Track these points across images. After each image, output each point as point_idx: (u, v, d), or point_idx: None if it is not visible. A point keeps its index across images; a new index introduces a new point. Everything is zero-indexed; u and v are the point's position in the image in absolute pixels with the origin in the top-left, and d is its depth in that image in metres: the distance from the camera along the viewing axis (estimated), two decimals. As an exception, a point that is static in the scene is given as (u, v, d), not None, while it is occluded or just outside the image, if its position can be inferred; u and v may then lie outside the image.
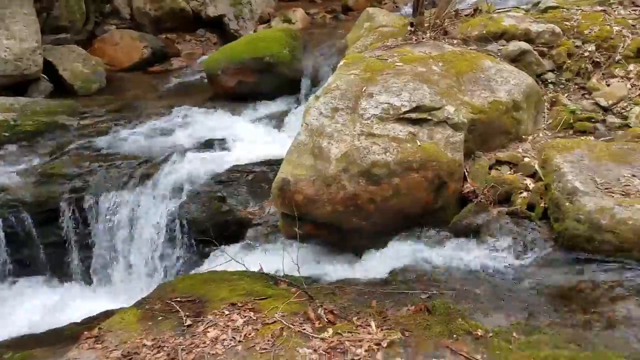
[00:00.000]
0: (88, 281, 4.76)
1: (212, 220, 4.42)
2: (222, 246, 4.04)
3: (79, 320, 3.90)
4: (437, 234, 3.65)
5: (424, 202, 3.60)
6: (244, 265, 3.48)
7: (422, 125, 3.72)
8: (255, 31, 8.05)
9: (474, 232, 3.54)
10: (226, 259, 3.58)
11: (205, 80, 6.79)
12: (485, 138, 3.96)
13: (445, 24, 4.84)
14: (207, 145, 5.31)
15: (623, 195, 3.17)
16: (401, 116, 3.72)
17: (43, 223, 4.74)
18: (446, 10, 4.79)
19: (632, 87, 4.28)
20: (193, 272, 4.17)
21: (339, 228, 3.76)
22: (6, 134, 5.38)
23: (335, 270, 3.75)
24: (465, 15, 5.36)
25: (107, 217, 4.67)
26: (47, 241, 4.77)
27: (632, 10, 4.93)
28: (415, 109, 3.74)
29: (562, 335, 2.56)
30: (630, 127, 3.94)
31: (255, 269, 3.53)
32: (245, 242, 4.30)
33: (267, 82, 6.40)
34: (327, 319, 2.83)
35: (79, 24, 7.75)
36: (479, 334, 2.64)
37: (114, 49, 7.74)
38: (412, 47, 4.49)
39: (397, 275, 3.41)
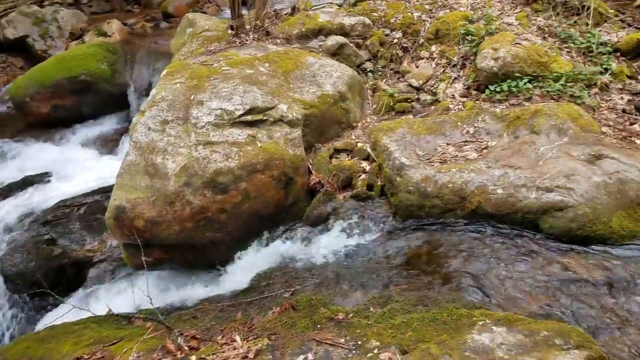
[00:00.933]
0: None
1: (43, 269, 3.92)
2: (60, 295, 3.59)
3: None
4: (294, 229, 3.72)
5: (275, 201, 3.64)
6: (89, 310, 3.15)
7: (259, 126, 3.75)
8: (67, 49, 7.30)
9: (326, 220, 3.68)
10: (67, 309, 3.19)
11: (13, 110, 6.00)
12: (321, 130, 4.14)
13: (266, 24, 4.92)
14: (25, 183, 4.74)
15: (441, 162, 3.58)
16: (237, 120, 3.70)
17: None
18: (264, 10, 4.86)
19: (436, 66, 4.83)
20: (30, 330, 3.67)
21: (193, 246, 3.60)
22: None
23: (196, 291, 3.59)
24: (285, 15, 5.51)
25: None
26: None
27: (427, -4, 5.56)
28: (250, 112, 3.75)
29: (411, 299, 2.78)
30: (440, 101, 4.45)
31: (104, 311, 3.23)
32: (88, 284, 3.91)
33: (87, 102, 5.95)
34: (188, 346, 2.69)
35: None
36: (341, 317, 2.74)
37: None
38: (237, 49, 4.49)
39: (261, 280, 3.39)
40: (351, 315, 2.75)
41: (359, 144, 4.10)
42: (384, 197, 3.69)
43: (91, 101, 5.94)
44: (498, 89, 4.20)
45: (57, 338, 2.96)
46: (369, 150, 3.99)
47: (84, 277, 3.98)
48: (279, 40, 4.92)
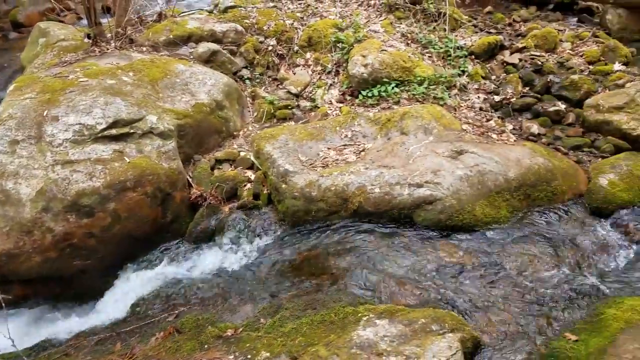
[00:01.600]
0: None
1: None
2: None
3: None
4: (177, 248, 3.52)
5: (152, 220, 3.41)
6: None
7: (126, 140, 3.49)
8: None
9: (211, 235, 3.54)
10: None
11: None
12: (199, 141, 3.98)
13: (129, 31, 4.61)
14: None
15: (324, 167, 3.63)
16: (99, 135, 3.41)
17: None
18: (126, 17, 4.55)
19: (312, 72, 4.92)
20: None
21: (60, 277, 3.26)
22: None
23: (68, 325, 3.25)
24: (151, 21, 5.23)
25: None
26: None
27: (299, 3, 5.66)
28: (114, 125, 3.47)
29: (300, 304, 2.77)
30: (319, 107, 4.53)
31: None
32: None
33: None
34: None
35: None
36: (229, 333, 2.65)
37: None
38: (97, 59, 4.14)
39: (141, 306, 3.18)
40: (240, 329, 2.67)
41: (242, 153, 4.01)
42: (271, 205, 3.66)
43: None
44: (370, 94, 4.38)
45: None
46: (252, 158, 3.92)
47: None
48: (144, 48, 4.64)
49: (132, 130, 3.52)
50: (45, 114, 3.42)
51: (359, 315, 2.46)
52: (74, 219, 3.14)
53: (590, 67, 4.57)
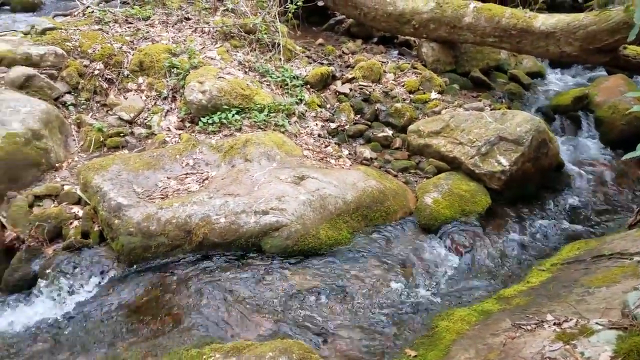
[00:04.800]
0: None
1: None
2: None
3: None
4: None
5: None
6: None
7: None
8: None
9: (32, 282, 3.13)
10: None
11: None
12: (12, 175, 3.51)
13: None
14: None
15: (163, 198, 3.45)
16: None
17: None
18: None
19: (146, 98, 4.67)
20: None
21: None
22: None
23: None
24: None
25: None
26: None
27: (128, 27, 5.36)
28: None
29: (139, 352, 2.55)
30: (156, 134, 4.30)
31: None
32: None
33: None
34: None
35: None
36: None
37: None
38: None
39: None
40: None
41: (67, 187, 3.61)
42: (103, 243, 3.34)
43: None
44: (210, 121, 4.34)
45: None
46: (79, 192, 3.56)
47: None
48: (-63, 71, 3.91)
49: None
50: None
51: (204, 357, 2.35)
52: None
53: (411, 95, 5.13)
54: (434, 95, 5.13)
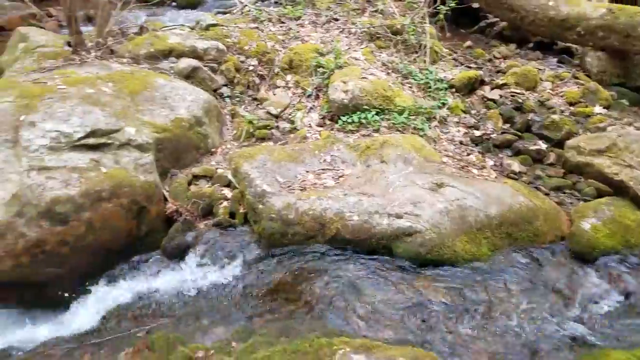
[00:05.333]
0: None
1: None
2: None
3: None
4: (150, 262, 3.43)
5: (126, 232, 3.35)
6: None
7: (104, 150, 3.41)
8: None
9: (185, 251, 3.47)
10: None
11: None
12: (177, 155, 3.92)
13: (110, 42, 4.53)
14: None
15: (301, 190, 3.62)
16: (77, 143, 3.33)
17: None
18: (107, 27, 4.48)
19: (292, 95, 4.95)
20: None
21: (30, 283, 3.16)
22: None
23: (37, 334, 3.16)
24: (133, 34, 5.16)
25: None
26: None
27: (280, 26, 5.71)
28: (91, 134, 3.39)
29: (273, 331, 2.72)
30: (298, 129, 4.53)
31: None
32: None
33: None
34: None
35: None
36: (200, 355, 2.59)
37: None
38: (77, 68, 4.05)
39: (112, 318, 3.12)
40: (212, 352, 2.61)
41: (220, 171, 3.96)
42: (247, 225, 3.59)
43: None
44: (349, 120, 4.43)
45: None
46: (230, 177, 3.87)
47: None
48: (125, 60, 4.57)
49: (109, 141, 3.44)
50: (22, 119, 3.32)
51: (334, 348, 2.41)
52: (48, 226, 3.05)
53: (571, 108, 4.69)
54: (598, 109, 4.64)
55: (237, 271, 3.34)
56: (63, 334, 3.09)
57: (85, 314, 3.22)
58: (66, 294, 3.28)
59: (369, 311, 2.86)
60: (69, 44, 4.35)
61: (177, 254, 3.46)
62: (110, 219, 3.24)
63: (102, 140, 3.41)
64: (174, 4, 7.63)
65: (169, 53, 4.82)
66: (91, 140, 3.37)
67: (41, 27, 5.75)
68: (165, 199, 3.65)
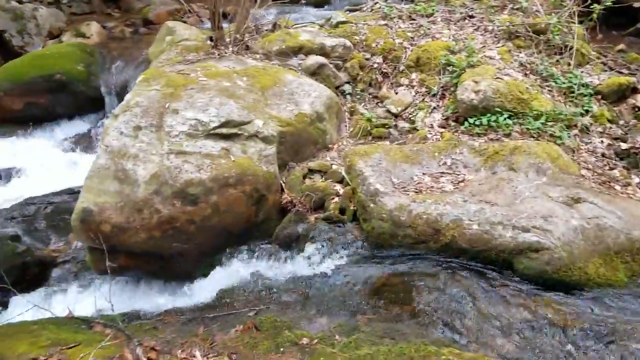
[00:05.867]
0: None
1: (5, 265, 3.76)
2: (21, 292, 3.46)
3: None
4: (263, 248, 3.61)
5: (246, 217, 3.54)
6: (49, 311, 3.07)
7: (234, 140, 3.65)
8: (43, 47, 7.10)
9: (295, 241, 3.58)
10: (27, 307, 3.13)
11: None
12: (296, 149, 4.05)
13: (246, 38, 4.83)
14: None
15: (416, 192, 3.51)
16: (211, 132, 3.60)
17: None
18: (245, 24, 4.78)
19: (416, 94, 4.82)
20: None
21: (159, 255, 3.50)
22: None
23: (159, 301, 3.51)
24: (266, 30, 5.44)
25: None
26: None
27: (410, 23, 5.59)
28: (225, 124, 3.64)
29: (378, 331, 2.69)
30: (418, 130, 4.40)
31: (63, 313, 3.15)
32: (50, 284, 3.82)
33: (62, 102, 5.85)
34: (146, 357, 2.59)
35: None
36: (305, 342, 2.66)
37: None
38: (216, 61, 4.38)
39: (225, 296, 3.32)
40: (315, 341, 2.66)
41: (334, 166, 4.00)
42: (356, 222, 3.59)
43: (66, 101, 5.82)
44: (477, 122, 4.18)
45: (13, 336, 2.83)
46: (343, 173, 3.89)
47: (46, 276, 3.89)
48: (258, 56, 4.84)
49: (240, 132, 3.67)
50: (166, 105, 3.68)
51: (442, 357, 2.31)
52: (180, 205, 3.35)
53: None
54: None
55: (343, 266, 3.36)
56: (182, 305, 3.38)
57: (202, 289, 3.49)
58: (188, 269, 3.58)
59: (480, 326, 2.69)
60: (210, 39, 4.74)
61: (288, 243, 3.59)
62: (234, 204, 3.46)
63: (234, 130, 3.66)
64: (303, 1, 7.88)
65: (299, 50, 4.99)
66: (224, 130, 3.63)
67: (184, 22, 6.37)
68: (282, 190, 3.79)
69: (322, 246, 3.47)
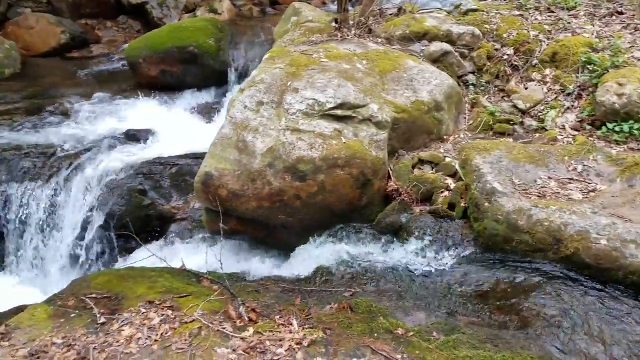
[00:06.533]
0: (-2, 274, 4.40)
1: (132, 215, 4.22)
2: (143, 242, 3.83)
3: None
4: (363, 232, 3.62)
5: (349, 200, 3.57)
6: (165, 261, 3.34)
7: (347, 122, 3.66)
8: (179, 20, 7.68)
9: (397, 230, 3.54)
10: (147, 255, 3.42)
11: (127, 69, 6.48)
12: (408, 137, 3.97)
13: (370, 22, 4.80)
14: (128, 136, 5.07)
15: (540, 197, 3.25)
16: (326, 113, 3.64)
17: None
18: (371, 8, 4.75)
19: (548, 91, 4.45)
20: (112, 267, 3.94)
21: (266, 224, 3.68)
22: None
23: (261, 267, 3.69)
24: (390, 15, 5.35)
25: (20, 208, 4.41)
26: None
27: (549, 15, 5.16)
28: (340, 106, 3.67)
29: (480, 335, 2.57)
30: (547, 130, 4.07)
31: (177, 265, 3.40)
32: (168, 238, 4.15)
33: (192, 73, 6.25)
34: (248, 317, 2.75)
35: (-10, 5, 7.07)
36: (400, 332, 2.63)
37: (30, 33, 7.26)
38: (338, 43, 4.41)
39: (322, 273, 3.38)
40: (412, 334, 2.63)
41: (447, 159, 3.86)
42: (465, 220, 3.44)
43: (195, 72, 6.23)
44: (617, 129, 3.76)
45: (134, 279, 3.13)
46: (457, 167, 3.73)
47: (165, 230, 4.25)
48: (380, 40, 4.78)
49: (354, 115, 3.67)
50: (288, 84, 3.80)
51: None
52: (289, 180, 3.48)
53: None
54: None
55: (446, 264, 3.25)
56: (281, 274, 3.52)
57: (302, 262, 3.59)
58: (290, 241, 3.72)
59: (598, 349, 2.46)
60: (335, 21, 4.77)
61: (389, 232, 3.56)
62: (340, 185, 3.50)
63: (348, 113, 3.67)
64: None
65: (423, 36, 4.86)
66: (339, 112, 3.66)
67: (309, 3, 6.48)
68: (389, 177, 3.74)
69: (426, 240, 3.39)
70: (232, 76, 6.25)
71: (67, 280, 3.66)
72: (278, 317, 2.79)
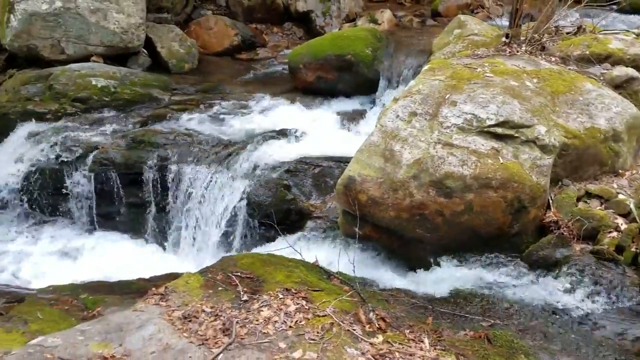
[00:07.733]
0: (160, 243, 5.06)
1: (276, 207, 4.50)
2: (283, 232, 4.07)
3: (147, 277, 4.12)
4: (509, 262, 3.42)
5: (499, 224, 3.38)
6: (300, 254, 3.47)
7: (507, 142, 3.47)
8: (340, 29, 7.98)
9: (550, 266, 3.29)
10: (285, 246, 3.59)
11: (287, 73, 6.88)
12: (576, 166, 3.65)
13: (544, 39, 4.49)
14: (281, 134, 5.38)
15: None
16: (485, 129, 3.49)
17: (128, 184, 5.11)
18: (546, 25, 4.44)
19: None
20: (254, 251, 4.20)
21: (400, 235, 3.64)
22: (106, 99, 5.82)
23: (391, 277, 3.66)
24: (567, 33, 4.96)
25: (186, 187, 4.96)
26: (130, 201, 5.13)
27: None
28: (502, 124, 3.49)
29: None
30: None
31: (310, 260, 3.51)
32: (304, 233, 4.34)
33: (345, 80, 6.40)
34: (377, 324, 2.74)
35: (179, 6, 8.11)
36: (544, 378, 2.42)
37: (208, 33, 8.05)
38: (505, 59, 4.20)
39: (457, 296, 3.29)
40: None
41: (620, 196, 3.46)
42: (634, 267, 3.08)
43: (349, 80, 6.37)
44: None
45: (274, 265, 3.32)
46: (632, 206, 3.34)
47: (302, 224, 4.44)
48: (553, 58, 4.43)
49: (516, 134, 3.47)
50: (446, 97, 3.72)
51: None
52: (433, 194, 3.39)
53: None
54: None
55: (607, 311, 2.98)
56: (412, 289, 3.43)
57: (435, 281, 3.47)
58: (422, 258, 3.61)
59: None
60: (506, 36, 4.56)
61: (540, 266, 3.32)
62: (490, 207, 3.31)
63: (510, 132, 3.47)
64: (614, 7, 6.88)
65: (605, 58, 4.45)
66: (499, 130, 3.47)
67: (473, 17, 6.23)
68: (548, 207, 3.46)
69: (584, 281, 3.12)
70: (381, 85, 6.30)
71: (216, 257, 4.04)
72: (407, 331, 2.74)
